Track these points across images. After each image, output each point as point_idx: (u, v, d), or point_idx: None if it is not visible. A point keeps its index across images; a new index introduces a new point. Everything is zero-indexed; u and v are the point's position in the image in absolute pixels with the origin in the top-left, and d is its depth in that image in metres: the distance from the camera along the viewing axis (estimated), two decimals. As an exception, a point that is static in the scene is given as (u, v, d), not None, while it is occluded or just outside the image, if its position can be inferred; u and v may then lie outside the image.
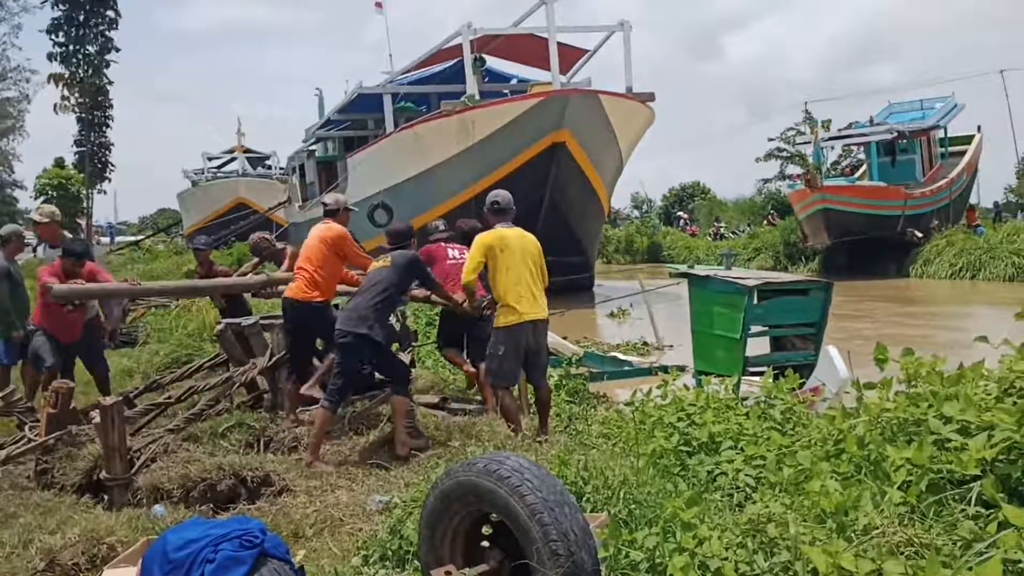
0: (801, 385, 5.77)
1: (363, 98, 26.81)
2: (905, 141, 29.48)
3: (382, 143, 25.33)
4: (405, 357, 7.37)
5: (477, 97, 22.05)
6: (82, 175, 19.76)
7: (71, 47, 17.98)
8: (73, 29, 17.89)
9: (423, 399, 7.47)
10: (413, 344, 8.10)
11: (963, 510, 3.02)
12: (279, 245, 9.93)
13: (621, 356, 11.43)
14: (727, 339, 7.62)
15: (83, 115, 19.05)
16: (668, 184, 69.81)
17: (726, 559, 3.06)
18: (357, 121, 30.33)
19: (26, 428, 6.37)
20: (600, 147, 22.26)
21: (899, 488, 3.25)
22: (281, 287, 8.11)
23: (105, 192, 22.01)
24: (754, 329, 7.70)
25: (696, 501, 3.42)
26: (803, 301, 7.85)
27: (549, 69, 22.14)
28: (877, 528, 2.96)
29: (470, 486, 3.27)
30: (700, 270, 8.66)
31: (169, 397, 7.05)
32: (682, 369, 8.50)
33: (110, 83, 19.09)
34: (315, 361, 7.40)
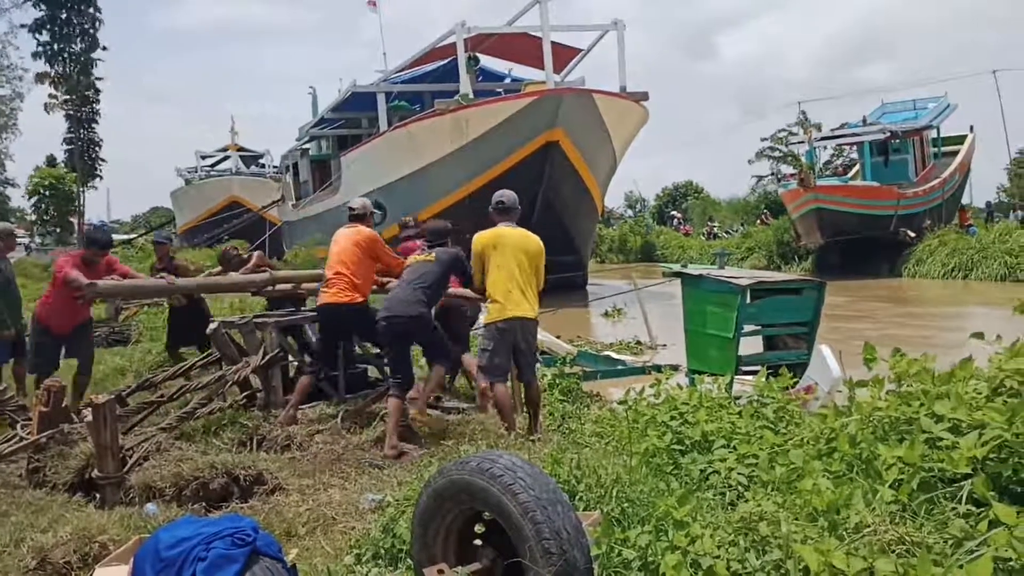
0: (794, 384, 5.79)
1: (357, 96, 26.81)
2: (898, 141, 29.55)
3: (376, 142, 25.34)
4: None
5: (471, 96, 22.06)
6: (74, 174, 19.71)
7: (56, 46, 17.91)
8: (57, 28, 17.81)
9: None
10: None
11: (954, 508, 3.03)
12: (245, 255, 10.29)
13: (614, 355, 11.42)
14: (720, 338, 7.64)
15: (71, 112, 18.99)
16: (662, 183, 70.04)
17: (718, 557, 3.06)
18: (351, 120, 30.35)
19: (18, 426, 6.35)
20: (594, 146, 22.28)
21: (891, 486, 3.26)
22: (280, 285, 8.19)
23: (96, 189, 22.01)
24: (747, 328, 7.71)
25: (688, 499, 3.42)
26: (796, 300, 7.87)
27: (543, 68, 22.16)
28: (869, 526, 2.96)
29: (463, 484, 3.27)
30: (693, 269, 8.66)
31: (161, 395, 7.04)
32: (675, 368, 8.52)
33: (98, 80, 19.03)
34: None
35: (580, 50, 26.19)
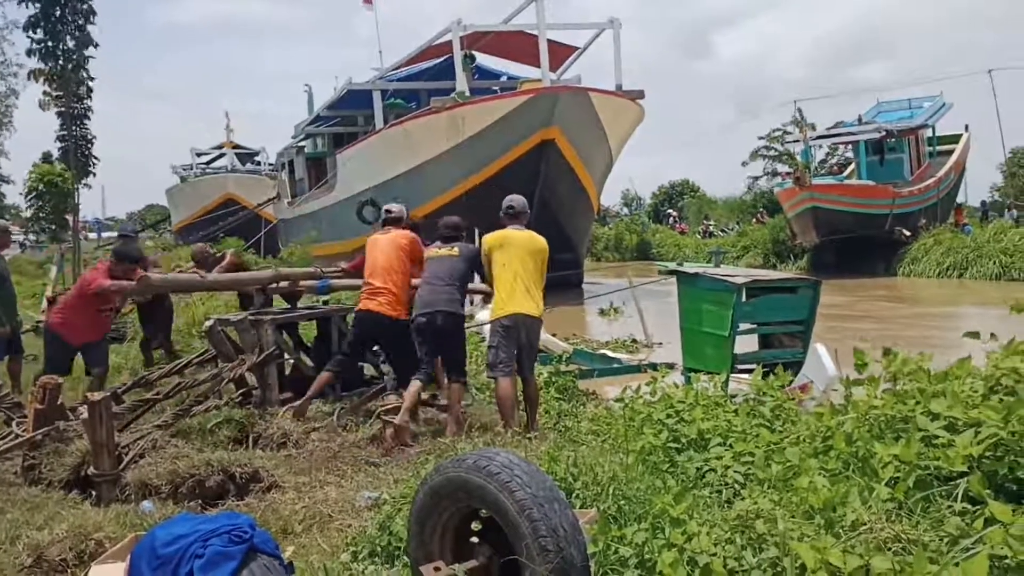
0: (789, 383, 5.79)
1: (353, 94, 26.78)
2: (893, 140, 29.60)
3: (371, 139, 25.30)
4: None
5: (467, 94, 22.02)
6: (69, 171, 19.65)
7: (49, 43, 17.84)
8: (50, 24, 17.75)
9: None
10: None
11: (950, 506, 3.04)
12: (220, 253, 10.56)
13: (610, 353, 11.43)
14: (716, 336, 7.64)
15: (64, 109, 18.89)
16: (658, 182, 69.91)
17: (715, 555, 3.06)
18: (347, 117, 30.31)
19: (13, 424, 6.34)
20: (589, 144, 22.27)
21: (887, 484, 3.27)
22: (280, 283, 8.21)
23: (90, 187, 21.89)
24: (743, 327, 7.72)
25: (685, 497, 3.43)
26: (791, 299, 7.86)
27: (539, 66, 22.13)
28: (865, 524, 2.97)
29: (460, 482, 3.27)
30: (689, 268, 8.66)
31: (157, 393, 7.03)
32: (671, 366, 8.51)
33: (91, 78, 18.97)
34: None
35: (576, 48, 26.17)
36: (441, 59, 25.40)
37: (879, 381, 4.02)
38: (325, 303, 9.36)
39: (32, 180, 24.52)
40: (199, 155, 54.40)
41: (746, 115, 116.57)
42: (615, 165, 25.60)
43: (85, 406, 5.47)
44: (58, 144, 20.45)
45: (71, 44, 18.30)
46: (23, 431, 6.02)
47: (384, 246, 7.16)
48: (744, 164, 48.54)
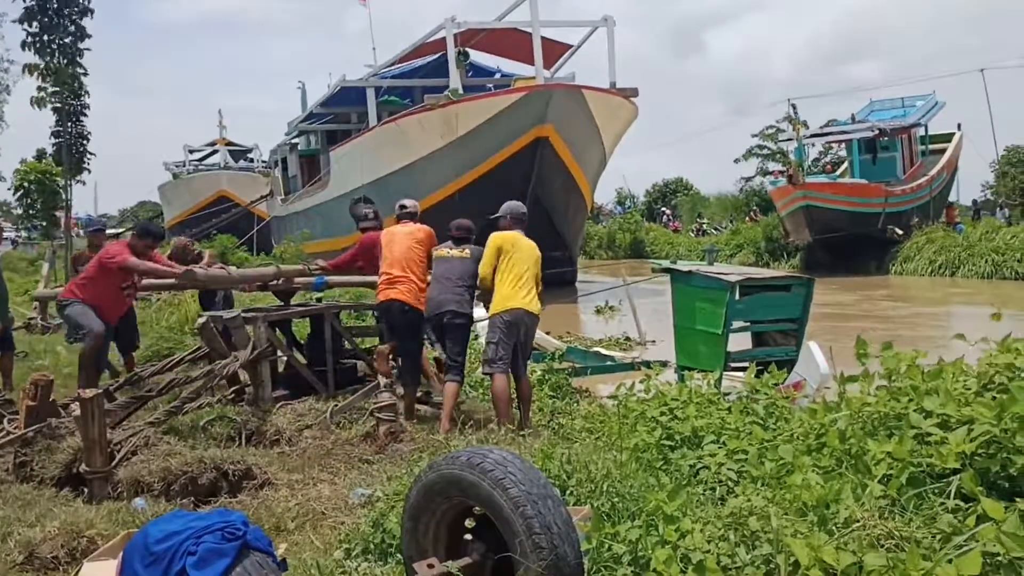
0: (782, 380, 5.80)
1: (346, 91, 26.73)
2: (886, 139, 29.66)
3: (365, 137, 25.26)
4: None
5: (460, 91, 21.98)
6: (61, 167, 19.53)
7: (45, 36, 17.73)
8: (47, 18, 17.64)
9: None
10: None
11: (943, 503, 3.04)
12: (199, 251, 10.61)
13: (604, 351, 11.43)
14: (709, 334, 7.65)
15: (59, 105, 18.77)
16: (651, 180, 69.69)
17: (708, 552, 3.07)
18: (340, 114, 30.26)
19: (4, 420, 6.32)
20: (583, 142, 22.26)
21: (880, 481, 3.27)
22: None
23: (84, 183, 21.74)
24: (736, 324, 7.73)
25: (678, 494, 3.43)
26: (785, 297, 7.88)
27: (533, 64, 22.09)
28: (858, 521, 2.97)
29: (453, 479, 3.26)
30: (682, 266, 8.67)
31: (150, 390, 7.02)
32: (665, 364, 8.54)
33: (85, 74, 18.85)
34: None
35: (570, 46, 26.14)
36: (435, 56, 25.38)
37: (873, 378, 4.03)
38: (319, 300, 9.34)
39: (19, 177, 24.36)
40: (192, 152, 54.08)
41: (740, 113, 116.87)
42: (608, 163, 25.61)
43: (77, 403, 5.45)
44: (52, 140, 20.32)
45: (67, 39, 18.22)
46: (15, 428, 6.00)
47: (402, 238, 7.27)
48: (736, 162, 48.55)
